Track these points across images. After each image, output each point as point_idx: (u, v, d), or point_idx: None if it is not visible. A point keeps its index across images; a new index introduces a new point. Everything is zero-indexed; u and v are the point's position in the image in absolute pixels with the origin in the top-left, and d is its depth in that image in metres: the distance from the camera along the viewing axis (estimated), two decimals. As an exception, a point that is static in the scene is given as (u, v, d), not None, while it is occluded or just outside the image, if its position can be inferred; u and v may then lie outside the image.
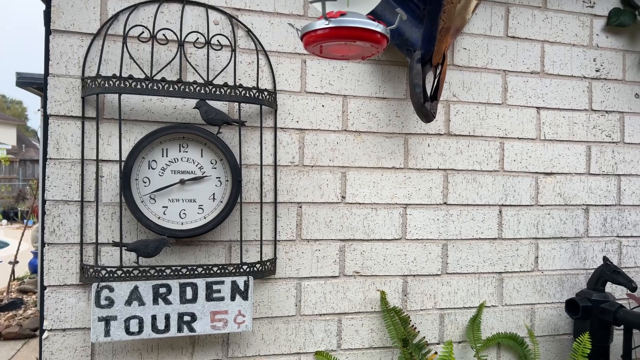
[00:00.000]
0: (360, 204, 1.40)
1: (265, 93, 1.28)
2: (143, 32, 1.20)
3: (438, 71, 1.31)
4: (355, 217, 1.39)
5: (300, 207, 1.35)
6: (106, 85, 1.15)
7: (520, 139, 1.53)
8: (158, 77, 1.20)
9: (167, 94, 1.17)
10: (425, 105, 1.28)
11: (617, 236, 1.62)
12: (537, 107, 1.54)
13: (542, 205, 1.55)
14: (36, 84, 5.47)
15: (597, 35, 1.60)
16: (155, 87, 1.17)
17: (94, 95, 1.18)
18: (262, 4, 1.32)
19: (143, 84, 1.16)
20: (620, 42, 1.62)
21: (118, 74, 1.20)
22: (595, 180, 1.60)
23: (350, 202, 1.39)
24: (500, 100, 1.51)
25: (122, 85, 1.15)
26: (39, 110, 5.78)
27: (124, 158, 1.20)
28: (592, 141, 1.59)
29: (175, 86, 1.18)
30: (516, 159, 1.52)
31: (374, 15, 0.98)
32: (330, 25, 0.82)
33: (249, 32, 1.30)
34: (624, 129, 1.63)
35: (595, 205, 1.60)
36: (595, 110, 1.60)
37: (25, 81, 5.43)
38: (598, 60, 1.60)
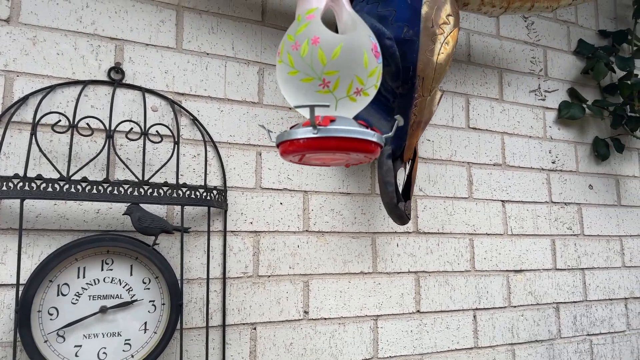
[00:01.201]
0: (326, 319, 1.18)
1: (214, 192, 1.06)
2: (60, 121, 0.96)
3: (409, 167, 1.18)
4: (320, 336, 1.17)
5: (255, 328, 1.11)
6: (4, 187, 0.87)
7: (488, 234, 1.42)
8: (78, 176, 0.95)
9: (89, 197, 0.92)
10: (399, 205, 1.13)
11: (588, 334, 1.53)
12: (502, 201, 1.46)
13: (515, 307, 1.43)
14: None
15: (550, 127, 1.59)
16: (73, 190, 0.91)
17: (-15, 200, 0.90)
18: (210, 88, 1.13)
19: (56, 185, 0.90)
20: (571, 134, 1.62)
21: (22, 173, 0.93)
22: (562, 276, 1.52)
23: (314, 317, 1.17)
24: (467, 194, 1.41)
25: (26, 187, 0.88)
26: None
27: (23, 281, 0.91)
28: (555, 234, 1.53)
29: (101, 187, 0.93)
30: (486, 256, 1.41)
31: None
32: (320, 135, 0.65)
33: (194, 120, 1.10)
34: (582, 221, 1.59)
35: (565, 302, 1.51)
36: (555, 202, 1.56)
37: None
38: (553, 152, 1.58)
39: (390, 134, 0.75)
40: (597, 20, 1.75)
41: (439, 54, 1.12)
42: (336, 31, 0.79)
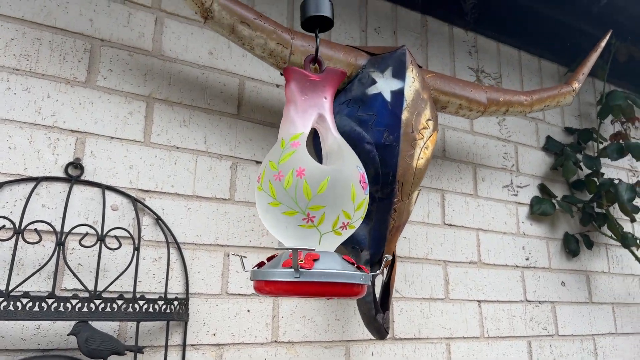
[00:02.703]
0: None
1: (175, 303, 0.96)
2: (4, 226, 0.85)
3: (387, 274, 1.12)
4: None
5: None
6: None
7: (465, 338, 1.36)
8: (19, 290, 0.83)
9: (31, 316, 0.80)
10: (377, 317, 1.05)
11: None
12: (478, 301, 1.41)
13: (493, 418, 1.35)
14: None
15: (522, 222, 1.58)
16: (11, 308, 0.79)
17: None
18: (177, 184, 1.05)
19: (-9, 303, 0.78)
20: (543, 230, 1.62)
21: (-49, 287, 0.80)
22: (538, 380, 1.46)
23: None
24: (443, 295, 1.35)
25: (-47, 308, 0.75)
26: None
27: (-63, 417, 0.76)
28: (531, 335, 1.48)
29: (44, 304, 0.81)
30: (463, 362, 1.34)
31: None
32: (302, 279, 0.58)
33: (158, 219, 1.01)
34: (557, 320, 1.56)
35: (543, 410, 1.44)
36: (530, 301, 1.52)
37: None
38: (527, 248, 1.56)
39: (377, 272, 0.69)
40: (562, 118, 1.81)
41: (418, 159, 1.09)
42: (318, 146, 0.74)
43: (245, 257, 0.85)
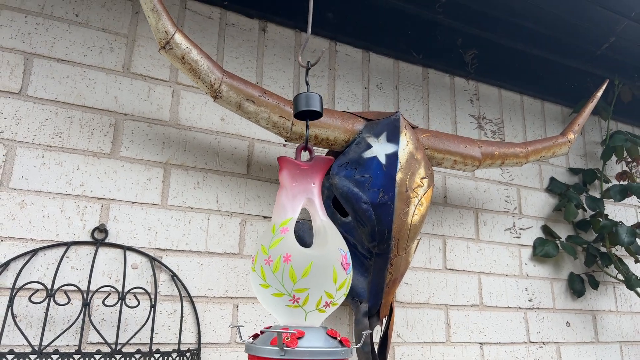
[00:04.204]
0: None
1: (188, 355, 1.06)
2: (37, 291, 0.97)
3: (385, 324, 1.19)
4: None
5: None
6: (-27, 366, 0.87)
7: (466, 380, 1.41)
8: (51, 347, 0.94)
9: (59, 371, 0.91)
10: (374, 367, 1.13)
11: None
12: (480, 343, 1.47)
13: None
14: None
15: (525, 264, 1.63)
16: (43, 364, 0.90)
17: (-48, 375, 0.89)
18: (192, 242, 1.16)
19: (27, 359, 0.89)
20: (547, 271, 1.66)
21: (-6, 346, 0.92)
22: (542, 421, 1.50)
23: None
24: (444, 338, 1.41)
25: (-4, 365, 0.87)
26: None
27: None
28: (534, 376, 1.53)
29: (72, 359, 0.93)
30: (464, 404, 1.39)
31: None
32: (286, 357, 0.67)
33: (173, 276, 1.12)
34: (561, 361, 1.59)
35: None
36: (534, 342, 1.56)
37: None
38: (529, 290, 1.61)
39: (359, 344, 0.77)
40: (567, 158, 1.85)
41: (413, 216, 1.17)
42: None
43: (242, 326, 0.94)
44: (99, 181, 1.10)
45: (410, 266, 1.42)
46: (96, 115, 1.13)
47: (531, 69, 1.81)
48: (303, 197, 0.80)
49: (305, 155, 0.85)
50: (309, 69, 0.88)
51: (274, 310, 0.74)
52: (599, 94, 1.52)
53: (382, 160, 1.16)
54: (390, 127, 1.19)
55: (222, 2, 1.32)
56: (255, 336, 0.76)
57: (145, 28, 1.23)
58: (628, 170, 1.81)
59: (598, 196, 1.77)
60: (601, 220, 1.69)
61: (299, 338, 0.69)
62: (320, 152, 1.23)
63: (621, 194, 1.67)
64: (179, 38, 0.99)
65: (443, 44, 1.65)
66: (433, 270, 1.46)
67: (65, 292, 0.99)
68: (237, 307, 1.18)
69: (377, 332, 1.21)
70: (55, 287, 0.98)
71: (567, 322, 1.65)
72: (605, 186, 1.78)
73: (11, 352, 0.90)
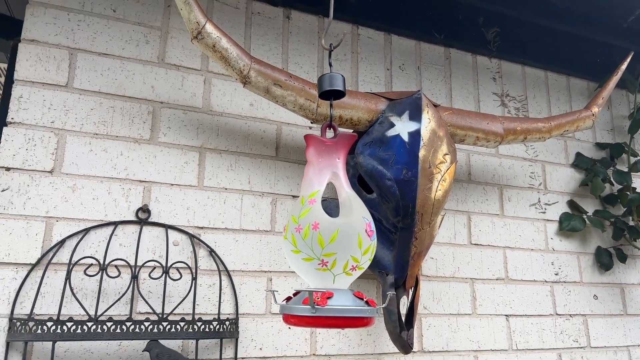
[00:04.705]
0: None
1: (227, 323, 1.14)
2: (92, 265, 1.07)
3: (412, 295, 1.25)
4: None
5: None
6: (39, 331, 0.97)
7: (493, 350, 1.46)
8: (105, 316, 1.04)
9: (113, 337, 1.01)
10: (402, 335, 1.19)
11: None
12: (506, 315, 1.51)
13: None
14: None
15: (551, 239, 1.65)
16: (99, 330, 1.00)
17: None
18: (227, 221, 1.24)
19: (85, 326, 1.00)
20: (573, 245, 1.68)
21: (56, 314, 1.03)
22: (569, 391, 1.53)
23: None
24: (470, 310, 1.46)
25: (58, 330, 0.98)
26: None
27: (49, 414, 0.98)
28: (561, 348, 1.55)
29: (124, 326, 1.02)
30: (491, 373, 1.44)
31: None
32: (317, 314, 0.74)
33: (211, 252, 1.20)
34: (589, 333, 1.61)
35: (574, 420, 1.51)
36: (560, 315, 1.59)
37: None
38: (556, 264, 1.63)
39: (384, 304, 0.83)
40: (594, 133, 1.85)
41: (436, 191, 1.21)
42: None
43: (277, 292, 1.01)
44: (141, 165, 1.19)
45: (436, 241, 1.47)
46: (135, 104, 1.22)
47: (555, 44, 1.81)
48: (328, 172, 0.86)
49: (330, 134, 0.91)
50: (332, 51, 0.93)
51: (304, 274, 0.81)
52: (623, 66, 1.52)
53: (405, 138, 1.20)
54: (412, 106, 1.23)
55: (247, -7, 1.38)
56: (288, 299, 0.83)
57: (177, 20, 1.30)
58: (657, 143, 1.79)
59: (626, 170, 1.76)
60: (629, 193, 1.68)
61: (328, 298, 0.76)
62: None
63: (649, 167, 1.67)
64: (209, 28, 1.05)
65: (464, 24, 1.67)
66: (458, 246, 1.50)
67: (115, 266, 1.08)
68: (271, 280, 1.26)
69: (404, 305, 1.27)
70: (106, 262, 1.08)
71: (595, 295, 1.66)
72: (633, 160, 1.77)
73: (70, 319, 1.00)
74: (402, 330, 1.19)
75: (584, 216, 1.68)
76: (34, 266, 1.04)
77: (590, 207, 1.74)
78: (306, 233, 0.78)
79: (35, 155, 1.10)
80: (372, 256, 0.83)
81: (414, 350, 1.36)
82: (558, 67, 1.83)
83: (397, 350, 1.33)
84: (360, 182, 1.28)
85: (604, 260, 1.68)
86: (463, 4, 1.64)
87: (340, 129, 0.95)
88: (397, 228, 1.23)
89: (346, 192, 0.86)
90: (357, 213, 0.82)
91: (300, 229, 0.79)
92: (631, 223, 1.71)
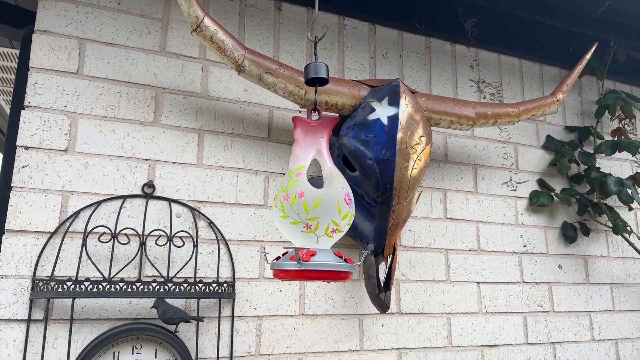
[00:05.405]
0: (317, 393, 1.37)
1: (225, 285, 1.29)
2: (104, 233, 1.20)
3: (389, 262, 1.40)
4: (312, 408, 1.36)
5: (256, 401, 1.31)
6: (59, 289, 1.11)
7: (464, 313, 1.62)
8: (117, 277, 1.18)
9: (125, 295, 1.15)
10: (380, 296, 1.34)
11: (559, 405, 1.69)
12: (477, 282, 1.66)
13: (490, 380, 1.60)
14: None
15: (521, 214, 1.80)
16: (112, 289, 1.14)
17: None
18: (224, 195, 1.38)
19: (100, 286, 1.14)
20: (541, 220, 1.83)
21: (74, 275, 1.16)
22: (533, 350, 1.70)
23: (307, 391, 1.36)
24: (445, 277, 1.62)
25: (77, 289, 1.12)
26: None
27: (69, 362, 1.13)
28: (527, 311, 1.72)
29: (134, 286, 1.16)
30: (462, 333, 1.60)
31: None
32: (302, 268, 0.88)
33: (210, 223, 1.34)
34: (552, 299, 1.78)
35: (537, 375, 1.68)
36: (527, 282, 1.75)
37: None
38: (524, 237, 1.79)
39: (359, 262, 0.98)
40: (564, 117, 1.99)
41: (412, 169, 1.35)
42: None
43: (268, 253, 1.15)
44: (146, 145, 1.32)
45: (413, 215, 1.61)
46: (140, 90, 1.34)
47: (530, 34, 1.94)
48: (313, 149, 0.99)
49: (315, 116, 1.04)
50: (317, 42, 1.05)
51: (292, 236, 0.94)
52: (588, 56, 1.65)
53: (385, 121, 1.34)
54: (391, 93, 1.36)
55: (241, -14, 1.49)
56: (277, 258, 0.97)
57: (177, 12, 1.42)
58: (621, 127, 1.94)
59: (592, 152, 1.91)
60: (593, 173, 1.83)
61: (312, 255, 0.90)
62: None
63: (612, 148, 1.82)
64: (207, 21, 1.17)
65: (444, 14, 1.79)
66: (434, 219, 1.65)
67: (125, 234, 1.22)
68: (264, 248, 1.40)
69: (384, 271, 1.42)
70: (117, 231, 1.21)
71: (560, 265, 1.82)
72: (599, 142, 1.92)
73: (87, 280, 1.14)
74: (380, 291, 1.34)
75: (552, 193, 1.83)
76: (52, 234, 1.18)
77: (558, 185, 1.89)
78: (293, 201, 0.92)
79: (51, 135, 1.23)
80: (351, 221, 0.97)
81: (392, 312, 1.51)
82: (532, 55, 1.96)
83: (377, 311, 1.48)
84: (345, 162, 1.42)
85: (569, 234, 1.83)
86: (442, -4, 1.76)
87: (325, 113, 1.09)
88: (377, 202, 1.37)
89: (328, 166, 0.99)
90: (337, 184, 0.96)
91: (288, 197, 0.93)
92: (595, 200, 1.86)
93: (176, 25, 1.41)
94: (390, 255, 1.40)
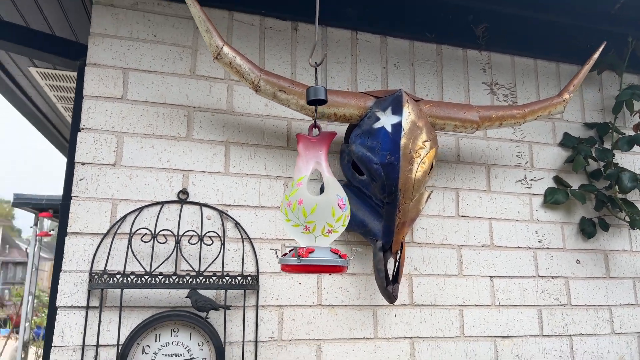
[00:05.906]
0: (334, 375, 1.53)
1: (249, 278, 1.47)
2: (146, 233, 1.42)
3: (398, 257, 1.53)
4: (329, 388, 1.52)
5: (279, 380, 1.48)
6: (111, 281, 1.33)
7: (477, 305, 1.71)
8: (157, 271, 1.39)
9: (164, 286, 1.36)
10: (388, 288, 1.47)
11: (575, 395, 1.75)
12: (490, 276, 1.75)
13: (502, 368, 1.69)
14: (32, 204, 5.68)
15: (536, 211, 1.86)
16: (153, 282, 1.35)
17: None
18: (249, 199, 1.56)
19: (143, 278, 1.35)
20: (558, 216, 1.88)
21: (122, 270, 1.39)
22: (549, 341, 1.76)
23: (324, 373, 1.52)
24: (457, 272, 1.72)
25: (124, 281, 1.34)
26: (31, 227, 5.96)
27: (121, 342, 1.35)
28: (542, 305, 1.78)
29: (171, 279, 1.37)
30: (475, 324, 1.70)
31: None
32: (302, 263, 1.04)
33: (236, 224, 1.53)
34: (569, 292, 1.83)
35: (551, 365, 1.75)
36: (542, 277, 1.81)
37: (22, 202, 5.64)
38: (539, 232, 1.85)
39: (351, 257, 1.12)
40: (583, 114, 2.02)
41: (416, 172, 1.47)
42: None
43: (279, 250, 1.32)
44: (180, 158, 1.52)
45: (425, 214, 1.73)
46: (174, 110, 1.54)
47: (544, 34, 1.98)
48: (313, 161, 1.15)
49: (315, 132, 1.19)
50: (317, 67, 1.20)
51: (295, 236, 1.10)
52: (595, 55, 1.69)
53: (389, 129, 1.47)
54: (394, 102, 1.49)
55: (260, 12, 1.67)
56: (284, 255, 1.14)
57: (204, 40, 1.61)
58: (642, 121, 1.94)
59: (609, 148, 1.93)
60: (609, 169, 1.86)
61: (310, 252, 1.06)
62: (340, 126, 1.57)
63: (629, 144, 1.83)
64: (226, 49, 1.35)
65: (454, 23, 1.88)
66: (446, 217, 1.75)
67: (163, 234, 1.43)
68: (285, 246, 1.57)
69: (394, 266, 1.54)
70: (157, 232, 1.43)
71: (577, 260, 1.87)
72: (617, 137, 1.93)
73: (133, 273, 1.35)
74: (388, 284, 1.48)
75: (568, 190, 1.87)
76: (104, 235, 1.41)
77: (576, 182, 1.92)
78: (294, 207, 1.08)
79: (102, 152, 1.46)
80: (345, 223, 1.12)
81: (405, 303, 1.64)
82: (548, 55, 2.00)
83: (389, 303, 1.62)
84: (354, 166, 1.56)
85: (587, 229, 1.87)
86: (451, 4, 1.85)
87: (335, 124, 1.23)
88: (384, 203, 1.50)
89: (326, 176, 1.15)
90: (332, 191, 1.11)
91: (290, 204, 1.09)
92: (612, 195, 1.88)
93: (204, 51, 1.61)
94: (399, 251, 1.53)
